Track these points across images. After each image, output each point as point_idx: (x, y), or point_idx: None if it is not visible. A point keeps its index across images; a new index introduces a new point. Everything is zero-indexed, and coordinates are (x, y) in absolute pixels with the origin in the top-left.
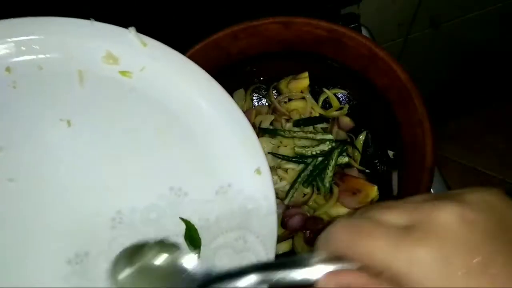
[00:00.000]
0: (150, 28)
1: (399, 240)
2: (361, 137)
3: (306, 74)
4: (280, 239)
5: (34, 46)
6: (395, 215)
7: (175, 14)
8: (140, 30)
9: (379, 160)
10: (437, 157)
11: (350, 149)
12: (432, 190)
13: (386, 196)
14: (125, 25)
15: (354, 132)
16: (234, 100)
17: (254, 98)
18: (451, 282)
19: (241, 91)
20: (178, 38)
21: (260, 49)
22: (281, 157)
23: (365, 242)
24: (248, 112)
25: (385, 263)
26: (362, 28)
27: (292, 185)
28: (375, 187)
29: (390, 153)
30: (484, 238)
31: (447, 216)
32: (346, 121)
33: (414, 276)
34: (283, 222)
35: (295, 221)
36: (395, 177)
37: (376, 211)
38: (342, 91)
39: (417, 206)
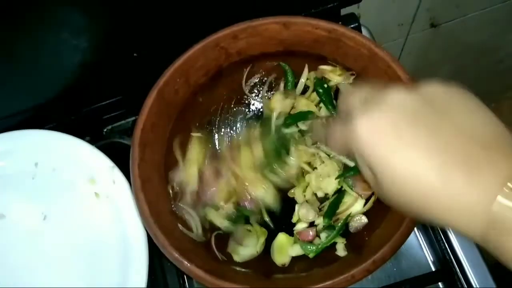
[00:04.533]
0: (150, 28)
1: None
2: None
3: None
4: None
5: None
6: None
7: (175, 14)
8: (140, 29)
9: None
10: None
11: None
12: None
13: None
14: (125, 25)
15: None
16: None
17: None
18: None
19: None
20: (178, 38)
21: (260, 49)
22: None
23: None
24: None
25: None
26: (362, 28)
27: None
28: None
29: None
30: (411, 114)
31: (392, 96)
32: None
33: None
34: None
35: None
36: None
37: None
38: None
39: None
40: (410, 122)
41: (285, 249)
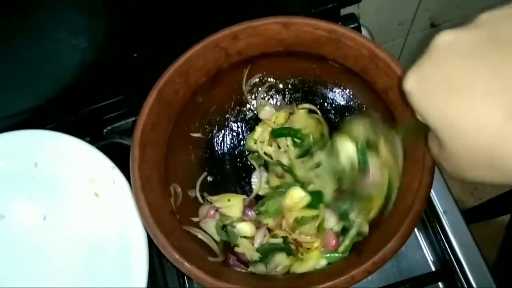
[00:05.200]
0: (150, 28)
1: None
2: None
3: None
4: None
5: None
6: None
7: (175, 14)
8: (140, 30)
9: None
10: None
11: None
12: (432, 190)
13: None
14: (125, 26)
15: None
16: None
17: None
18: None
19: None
20: (178, 38)
21: (260, 49)
22: None
23: None
24: None
25: None
26: (362, 28)
27: None
28: None
29: None
30: (463, 55)
31: (440, 39)
32: None
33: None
34: None
35: None
36: None
37: None
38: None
39: None
40: (465, 64)
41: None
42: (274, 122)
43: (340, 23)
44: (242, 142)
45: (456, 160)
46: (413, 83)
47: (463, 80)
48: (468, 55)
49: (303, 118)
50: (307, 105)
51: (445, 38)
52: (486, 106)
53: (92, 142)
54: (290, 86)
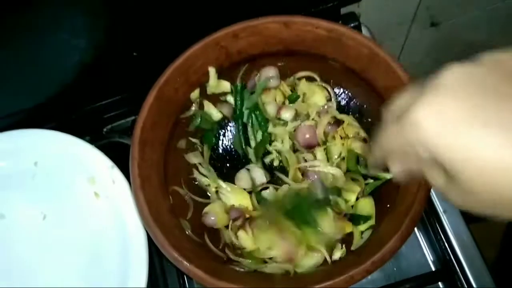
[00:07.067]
0: (150, 27)
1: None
2: None
3: None
4: None
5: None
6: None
7: (175, 13)
8: (140, 29)
9: None
10: None
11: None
12: (432, 190)
13: (385, 194)
14: (126, 25)
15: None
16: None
17: None
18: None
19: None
20: (179, 37)
21: (260, 48)
22: None
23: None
24: None
25: None
26: (362, 27)
27: None
28: None
29: None
30: (479, 88)
31: (447, 74)
32: None
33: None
34: None
35: None
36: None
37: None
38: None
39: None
40: (479, 97)
41: None
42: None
43: (340, 22)
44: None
45: (471, 197)
46: (428, 116)
47: (482, 113)
48: (479, 87)
49: (306, 86)
50: (303, 73)
51: (455, 72)
52: (509, 143)
53: (91, 141)
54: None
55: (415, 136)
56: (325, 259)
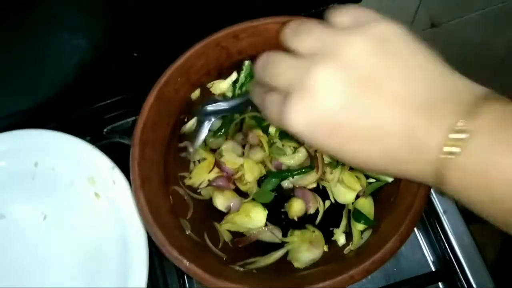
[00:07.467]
0: (150, 27)
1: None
2: None
3: None
4: None
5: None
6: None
7: (176, 13)
8: (141, 29)
9: None
10: None
11: None
12: (432, 190)
13: (385, 194)
14: (126, 25)
15: None
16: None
17: None
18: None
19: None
20: (179, 38)
21: (261, 49)
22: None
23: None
24: None
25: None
26: None
27: None
28: None
29: None
30: (375, 63)
31: (351, 50)
32: None
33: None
34: None
35: None
36: None
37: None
38: None
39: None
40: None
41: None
42: None
43: None
44: None
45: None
46: (301, 122)
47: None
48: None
49: None
50: None
51: (318, 77)
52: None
53: (92, 141)
54: None
55: (290, 129)
56: (324, 256)
